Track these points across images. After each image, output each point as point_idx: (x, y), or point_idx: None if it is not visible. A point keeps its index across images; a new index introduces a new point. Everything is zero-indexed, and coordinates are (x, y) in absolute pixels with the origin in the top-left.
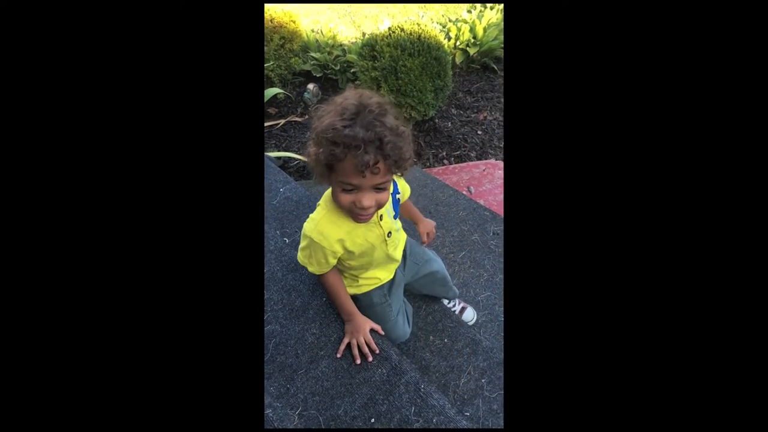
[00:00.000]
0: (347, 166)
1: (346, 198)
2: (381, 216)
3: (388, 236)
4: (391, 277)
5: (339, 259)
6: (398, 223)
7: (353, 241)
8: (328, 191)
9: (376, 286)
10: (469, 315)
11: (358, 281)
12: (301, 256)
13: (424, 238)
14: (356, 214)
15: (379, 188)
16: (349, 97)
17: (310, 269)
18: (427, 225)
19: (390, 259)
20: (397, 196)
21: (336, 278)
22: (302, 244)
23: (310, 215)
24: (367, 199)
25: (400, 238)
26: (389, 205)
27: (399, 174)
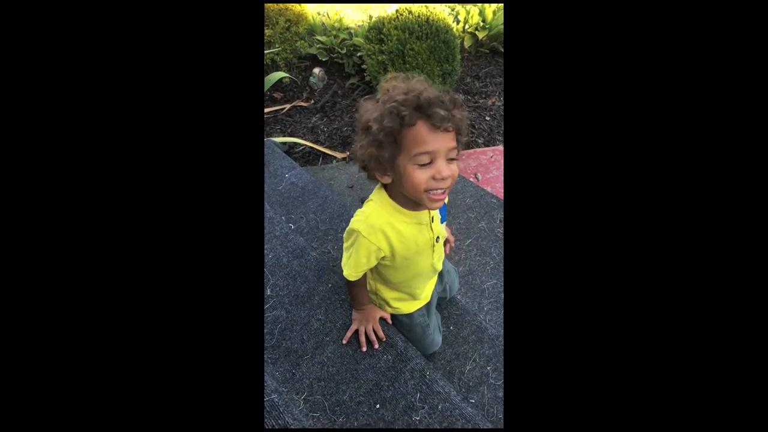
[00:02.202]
0: (420, 131)
1: (423, 175)
2: (433, 218)
3: (436, 241)
4: (430, 296)
5: (381, 274)
6: (444, 232)
7: (402, 240)
8: (380, 190)
9: (423, 304)
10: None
11: (408, 300)
12: (343, 259)
13: (451, 244)
14: (432, 194)
15: (451, 159)
16: (394, 84)
17: (345, 272)
18: (449, 232)
19: (433, 270)
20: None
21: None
22: (347, 242)
23: (358, 211)
24: (446, 168)
25: (443, 248)
26: (438, 209)
27: (459, 150)
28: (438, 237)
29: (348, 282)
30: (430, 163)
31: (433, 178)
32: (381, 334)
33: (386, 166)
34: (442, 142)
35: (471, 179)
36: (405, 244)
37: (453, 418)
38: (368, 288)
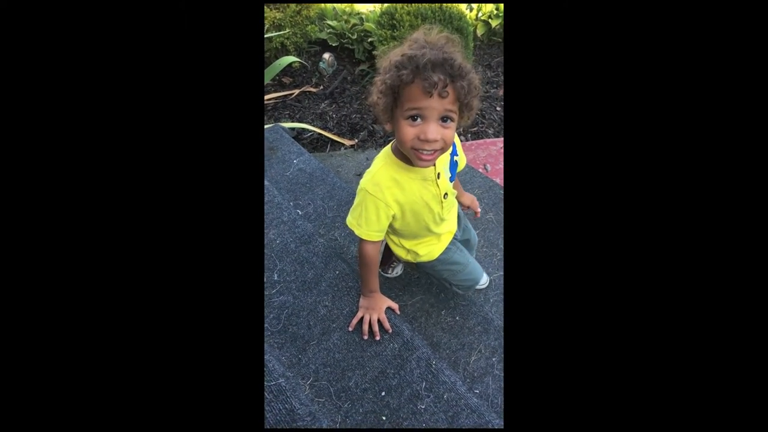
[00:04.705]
0: (414, 90)
1: (411, 131)
2: (439, 174)
3: (444, 197)
4: (456, 228)
5: (396, 231)
6: (452, 190)
7: (406, 195)
8: (387, 148)
9: (451, 237)
10: (484, 279)
11: (435, 243)
12: (350, 218)
13: (477, 209)
14: (419, 153)
15: (445, 120)
16: (417, 34)
17: (357, 231)
18: (472, 197)
19: (440, 218)
20: (455, 158)
21: (376, 252)
22: (355, 201)
23: (366, 170)
24: (433, 132)
25: (454, 203)
26: (447, 166)
27: (465, 117)
28: (446, 193)
29: (361, 263)
30: (420, 121)
31: (419, 138)
32: (386, 325)
33: (388, 115)
34: (435, 103)
35: (480, 170)
36: (410, 198)
37: (458, 408)
38: (395, 245)
